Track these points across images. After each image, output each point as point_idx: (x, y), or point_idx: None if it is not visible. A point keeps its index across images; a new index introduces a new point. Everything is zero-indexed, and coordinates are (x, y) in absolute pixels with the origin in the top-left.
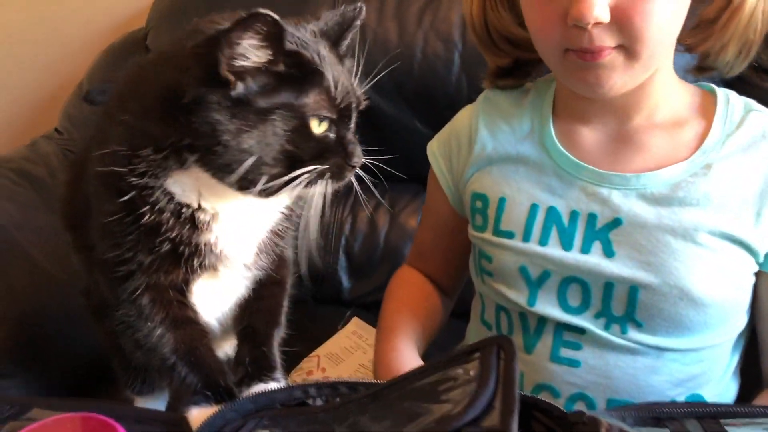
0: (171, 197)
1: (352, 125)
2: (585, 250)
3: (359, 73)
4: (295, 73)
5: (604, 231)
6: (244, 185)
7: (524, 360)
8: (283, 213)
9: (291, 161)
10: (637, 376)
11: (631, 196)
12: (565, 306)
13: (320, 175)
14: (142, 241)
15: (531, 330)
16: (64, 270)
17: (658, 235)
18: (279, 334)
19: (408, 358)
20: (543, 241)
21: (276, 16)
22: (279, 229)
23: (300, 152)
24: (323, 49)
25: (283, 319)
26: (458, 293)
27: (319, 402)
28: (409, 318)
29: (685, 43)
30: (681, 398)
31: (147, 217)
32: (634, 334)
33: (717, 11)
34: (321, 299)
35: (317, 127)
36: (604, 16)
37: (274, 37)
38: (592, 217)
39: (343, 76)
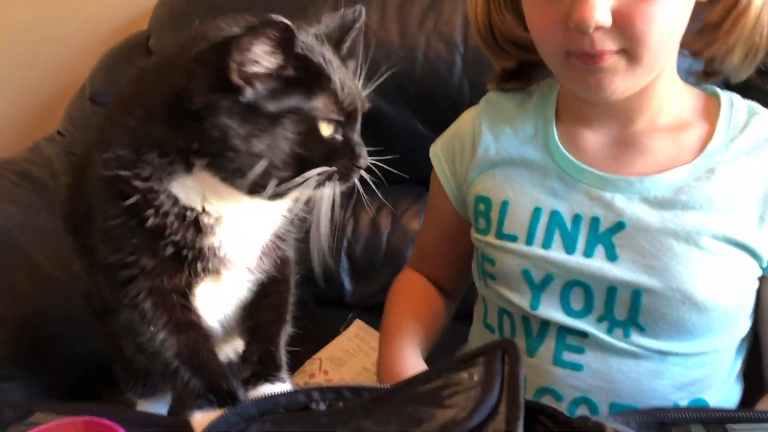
0: (175, 201)
1: (358, 127)
2: (588, 253)
3: (362, 75)
4: (303, 77)
5: (607, 234)
6: (255, 189)
7: (527, 363)
8: (285, 216)
9: (300, 164)
10: (640, 380)
11: (635, 199)
12: (567, 309)
13: (328, 177)
14: (145, 244)
15: (534, 333)
16: (65, 272)
17: (661, 239)
18: (286, 331)
19: (411, 361)
20: (546, 245)
21: (289, 23)
22: (282, 233)
23: (309, 155)
24: (328, 52)
25: (289, 317)
26: (461, 296)
27: (322, 406)
28: (412, 321)
29: (691, 48)
30: (684, 402)
31: (151, 220)
32: (637, 338)
33: (722, 14)
34: (323, 301)
35: (326, 130)
36: (606, 19)
37: (285, 43)
38: (595, 221)
39: (348, 79)
